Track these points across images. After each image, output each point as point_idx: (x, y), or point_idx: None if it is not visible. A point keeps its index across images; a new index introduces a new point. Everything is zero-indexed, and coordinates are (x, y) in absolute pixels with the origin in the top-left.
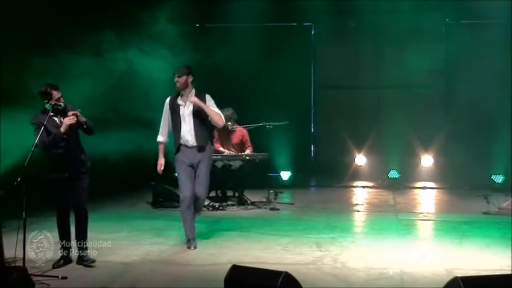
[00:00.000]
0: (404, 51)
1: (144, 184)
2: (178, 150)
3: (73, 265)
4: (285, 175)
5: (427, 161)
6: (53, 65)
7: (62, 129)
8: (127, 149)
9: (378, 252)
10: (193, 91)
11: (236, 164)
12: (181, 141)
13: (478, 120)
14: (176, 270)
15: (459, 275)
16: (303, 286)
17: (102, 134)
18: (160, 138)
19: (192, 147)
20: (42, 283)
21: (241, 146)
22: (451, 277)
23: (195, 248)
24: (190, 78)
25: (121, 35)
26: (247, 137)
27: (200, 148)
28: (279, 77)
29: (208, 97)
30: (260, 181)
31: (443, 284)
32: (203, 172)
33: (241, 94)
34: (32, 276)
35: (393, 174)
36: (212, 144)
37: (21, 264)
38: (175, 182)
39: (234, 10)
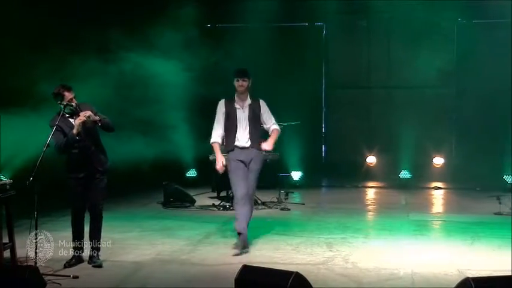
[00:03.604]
0: (415, 51)
1: (156, 184)
2: (231, 150)
3: (85, 264)
4: (296, 175)
5: (438, 161)
6: (63, 66)
7: (74, 131)
8: (140, 150)
9: (389, 253)
10: (248, 95)
11: None
12: (236, 143)
13: (490, 120)
14: (187, 270)
15: (470, 276)
16: (313, 286)
17: (116, 136)
18: (218, 139)
19: (245, 148)
20: (54, 282)
21: None
22: (462, 278)
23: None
24: (250, 83)
25: (132, 36)
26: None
27: (255, 149)
28: (290, 77)
29: (262, 102)
30: (271, 181)
31: (454, 285)
32: (252, 172)
33: (253, 94)
34: (43, 276)
35: (404, 174)
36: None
37: (33, 263)
38: (186, 182)
39: (244, 10)
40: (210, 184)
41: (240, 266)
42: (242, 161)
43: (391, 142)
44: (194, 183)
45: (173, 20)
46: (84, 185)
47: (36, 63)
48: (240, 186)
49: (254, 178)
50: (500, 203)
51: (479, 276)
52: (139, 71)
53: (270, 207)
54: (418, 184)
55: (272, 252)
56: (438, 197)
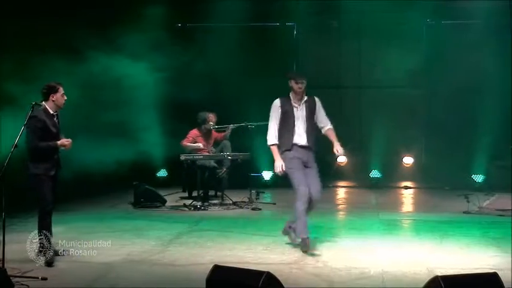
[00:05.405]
0: (386, 51)
1: (126, 184)
2: (289, 149)
3: (54, 266)
4: (267, 175)
5: (408, 160)
6: (27, 66)
7: (59, 143)
8: (110, 151)
9: (360, 252)
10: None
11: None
12: (294, 142)
13: (459, 120)
14: (158, 270)
15: (440, 274)
16: (285, 286)
17: (86, 137)
18: (274, 140)
19: (303, 147)
20: (22, 284)
21: (216, 143)
22: (431, 276)
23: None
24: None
25: (101, 36)
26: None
27: (311, 148)
28: (261, 77)
29: (317, 100)
30: (242, 181)
31: (424, 283)
32: (315, 173)
33: (224, 94)
34: (11, 277)
35: (375, 174)
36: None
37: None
38: (156, 183)
39: (216, 10)
40: (181, 184)
41: (211, 266)
42: (300, 159)
43: (361, 142)
44: (165, 183)
45: (142, 19)
46: (53, 182)
47: None
48: (303, 182)
49: (317, 177)
50: (468, 202)
51: (448, 274)
52: (108, 72)
53: (241, 207)
54: (388, 183)
55: (243, 252)
56: (408, 196)
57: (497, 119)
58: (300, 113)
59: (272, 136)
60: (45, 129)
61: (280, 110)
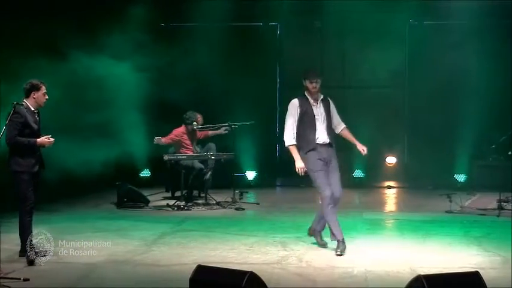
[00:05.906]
0: (368, 51)
1: (109, 185)
2: (312, 149)
3: (36, 266)
4: (251, 175)
5: (391, 160)
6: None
7: (39, 143)
8: (93, 151)
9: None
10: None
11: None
12: (317, 140)
13: (441, 120)
14: (141, 271)
15: (422, 273)
16: (268, 286)
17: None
18: (293, 140)
19: (325, 144)
20: (3, 285)
21: (200, 142)
22: (414, 275)
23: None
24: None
25: (84, 36)
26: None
27: (332, 145)
28: (245, 77)
29: (331, 100)
30: (225, 181)
31: (406, 282)
32: (336, 170)
33: (207, 94)
34: None
35: (358, 173)
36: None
37: None
38: (139, 183)
39: (199, 10)
40: (164, 184)
41: (195, 266)
42: (323, 159)
43: (344, 141)
44: (148, 183)
45: (126, 19)
46: (35, 181)
47: None
48: (326, 184)
49: (339, 177)
50: (450, 201)
51: (431, 273)
52: (91, 72)
53: (224, 207)
54: (371, 183)
55: (227, 252)
56: (391, 195)
57: (479, 119)
58: (319, 111)
59: (290, 136)
60: (26, 125)
61: (299, 110)
